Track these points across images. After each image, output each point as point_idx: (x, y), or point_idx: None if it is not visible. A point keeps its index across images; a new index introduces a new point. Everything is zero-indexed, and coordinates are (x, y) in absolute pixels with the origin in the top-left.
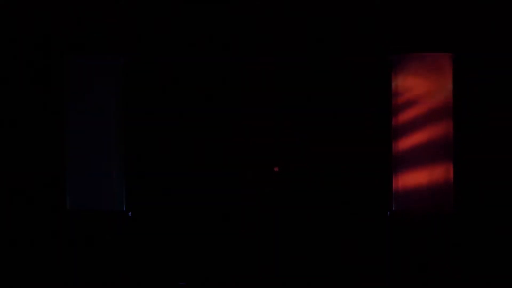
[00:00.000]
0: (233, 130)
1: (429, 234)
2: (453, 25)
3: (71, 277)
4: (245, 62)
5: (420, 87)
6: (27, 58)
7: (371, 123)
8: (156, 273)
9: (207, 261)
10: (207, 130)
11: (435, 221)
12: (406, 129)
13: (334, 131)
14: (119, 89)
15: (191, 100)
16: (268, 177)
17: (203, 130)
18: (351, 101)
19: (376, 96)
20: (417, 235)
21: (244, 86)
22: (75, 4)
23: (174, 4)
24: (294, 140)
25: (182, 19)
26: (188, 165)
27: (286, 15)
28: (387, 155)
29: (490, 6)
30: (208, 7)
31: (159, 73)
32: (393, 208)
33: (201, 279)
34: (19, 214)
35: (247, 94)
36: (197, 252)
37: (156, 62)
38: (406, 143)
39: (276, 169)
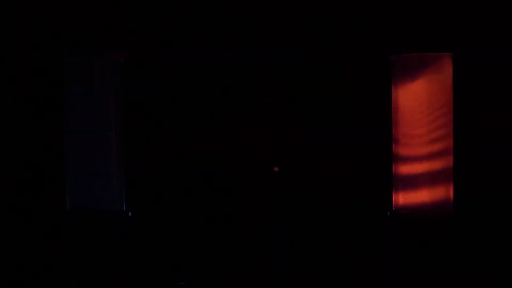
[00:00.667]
0: (233, 130)
1: (429, 234)
2: (453, 25)
3: (71, 277)
4: (245, 62)
5: (420, 87)
6: (26, 57)
7: (371, 123)
8: (156, 273)
9: (207, 261)
10: (208, 130)
11: (435, 221)
12: (406, 129)
13: (334, 131)
14: (119, 88)
15: (191, 100)
16: (268, 177)
17: (204, 130)
18: (351, 101)
19: (376, 96)
20: (417, 235)
21: (244, 86)
22: (74, 4)
23: (174, 4)
24: (294, 140)
25: (182, 19)
26: (188, 165)
27: (285, 15)
28: (387, 155)
29: (490, 6)
30: (208, 7)
31: (159, 72)
32: (393, 208)
33: (201, 279)
34: (19, 214)
35: (247, 94)
36: (197, 252)
37: (156, 61)
38: (406, 143)
39: (276, 169)
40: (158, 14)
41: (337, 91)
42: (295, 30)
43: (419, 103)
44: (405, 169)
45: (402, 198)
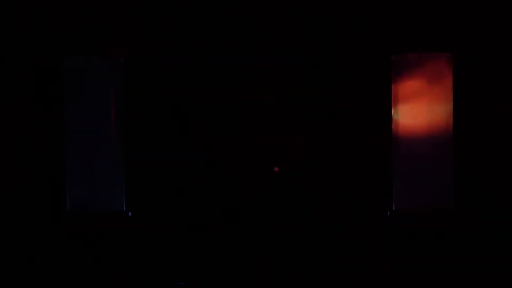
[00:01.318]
0: (234, 130)
1: (429, 234)
2: (454, 25)
3: (70, 277)
4: (245, 62)
5: (420, 87)
6: (26, 57)
7: (371, 123)
8: (156, 273)
9: (207, 261)
10: (208, 130)
11: (435, 221)
12: (406, 128)
13: (334, 131)
14: (119, 88)
15: (191, 100)
16: (268, 177)
17: (204, 130)
18: (351, 101)
19: (376, 96)
20: (417, 235)
21: (244, 85)
22: (74, 4)
23: (175, 4)
24: (293, 140)
25: (182, 19)
26: (188, 164)
27: (285, 15)
28: (387, 155)
29: (491, 5)
30: (209, 7)
31: (160, 72)
32: (393, 208)
33: (201, 279)
34: (19, 214)
35: (247, 94)
36: (197, 253)
37: (156, 61)
38: (406, 142)
39: (276, 169)
40: (158, 14)
41: (337, 91)
42: (295, 30)
43: (419, 103)
44: (405, 168)
45: (402, 198)
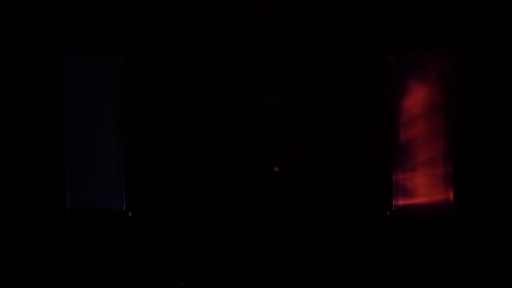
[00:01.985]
0: (234, 130)
1: (429, 234)
2: (453, 24)
3: (70, 277)
4: (245, 62)
5: (420, 87)
6: (26, 57)
7: (371, 123)
8: (156, 273)
9: (207, 261)
10: (208, 130)
11: (435, 221)
12: (406, 128)
13: (334, 131)
14: (119, 88)
15: (191, 100)
16: (268, 177)
17: (204, 130)
18: (351, 101)
19: (376, 96)
20: (417, 235)
21: (244, 86)
22: (75, 4)
23: (175, 4)
24: (293, 140)
25: (182, 19)
26: (188, 164)
27: (285, 14)
28: (387, 154)
29: (491, 5)
30: (209, 7)
31: (160, 72)
32: (393, 208)
33: (201, 279)
34: (19, 214)
35: (247, 94)
36: (197, 252)
37: (156, 61)
38: (406, 142)
39: (276, 169)
40: (158, 14)
41: (337, 91)
42: (294, 30)
43: (419, 103)
44: (405, 169)
45: (402, 198)
